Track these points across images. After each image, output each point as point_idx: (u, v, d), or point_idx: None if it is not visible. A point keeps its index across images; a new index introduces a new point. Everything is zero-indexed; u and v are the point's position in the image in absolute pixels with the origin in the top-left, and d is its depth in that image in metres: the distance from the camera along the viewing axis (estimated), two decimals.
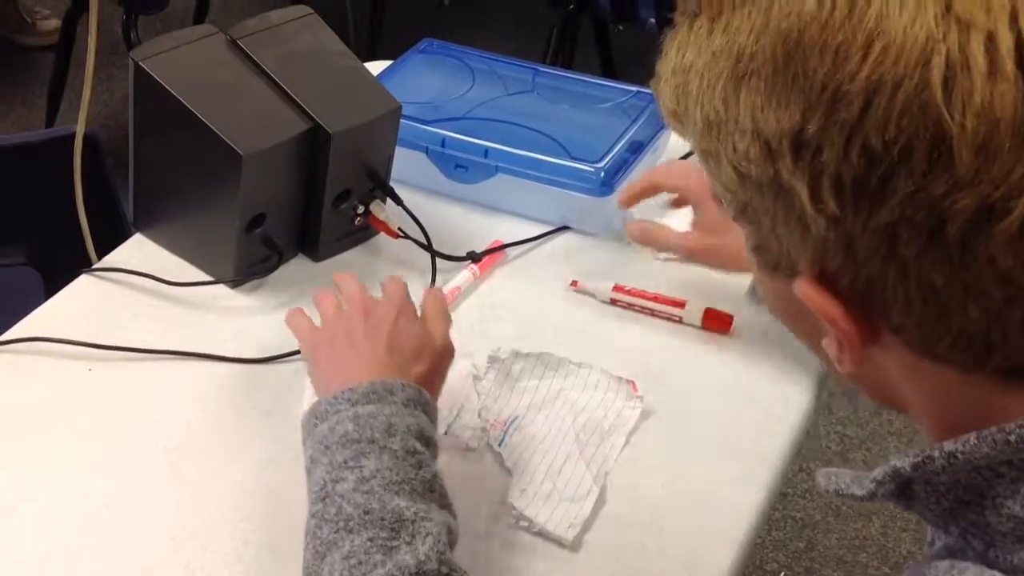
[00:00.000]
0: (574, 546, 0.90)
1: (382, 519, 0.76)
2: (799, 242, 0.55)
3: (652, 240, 1.12)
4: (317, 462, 0.81)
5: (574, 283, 1.15)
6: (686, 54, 0.57)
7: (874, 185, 0.50)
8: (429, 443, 0.83)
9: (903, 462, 0.56)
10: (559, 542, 0.90)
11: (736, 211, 0.58)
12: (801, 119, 0.51)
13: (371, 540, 0.75)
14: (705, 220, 1.09)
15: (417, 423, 0.82)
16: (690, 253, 1.10)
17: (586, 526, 0.91)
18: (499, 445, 0.97)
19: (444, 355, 0.91)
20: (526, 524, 0.91)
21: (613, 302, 1.13)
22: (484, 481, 0.95)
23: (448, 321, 0.94)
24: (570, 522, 0.91)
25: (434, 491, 0.80)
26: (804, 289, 0.55)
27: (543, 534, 0.90)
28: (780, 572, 1.94)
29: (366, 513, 0.76)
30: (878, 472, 0.58)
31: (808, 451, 2.12)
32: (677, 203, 1.17)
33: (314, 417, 0.83)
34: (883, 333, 0.55)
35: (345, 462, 0.79)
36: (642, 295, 1.13)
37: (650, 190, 1.15)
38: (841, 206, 0.51)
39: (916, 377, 0.57)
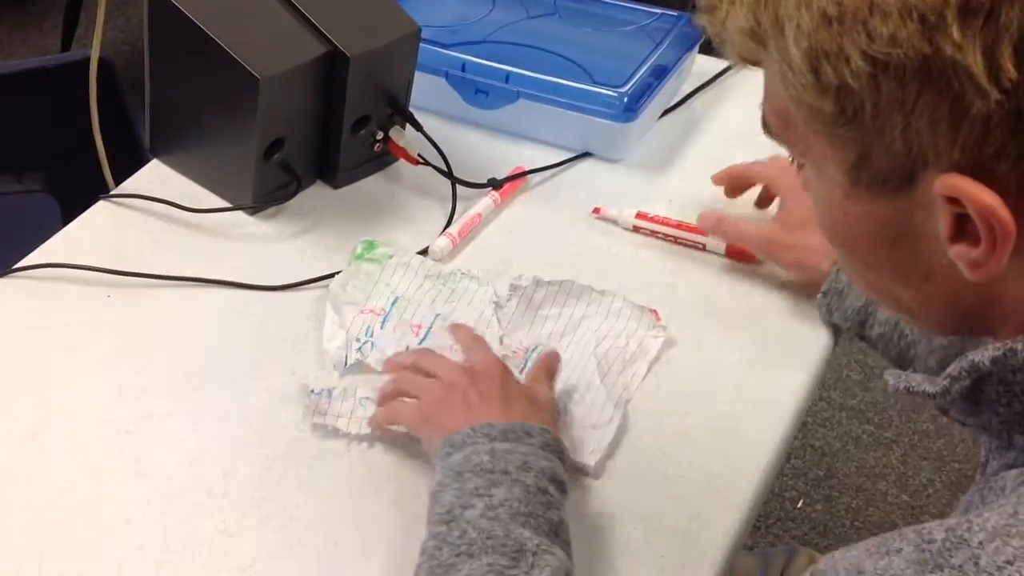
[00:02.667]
0: (596, 473, 0.90)
1: (504, 546, 0.75)
2: (946, 131, 0.51)
3: (726, 230, 1.07)
4: (446, 487, 0.80)
5: (596, 210, 1.13)
6: None
7: None
8: (561, 489, 0.81)
9: (982, 356, 0.55)
10: (581, 469, 0.90)
11: (840, 123, 0.54)
12: None
13: (490, 565, 0.74)
14: (787, 215, 1.05)
15: (552, 467, 0.81)
16: (764, 245, 1.05)
17: (608, 453, 0.91)
18: (520, 372, 0.96)
19: (555, 413, 0.90)
20: None
21: (636, 229, 1.12)
22: None
23: (552, 383, 0.93)
24: (591, 448, 0.91)
25: (559, 536, 0.78)
26: (951, 183, 0.52)
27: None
28: (799, 500, 1.95)
29: (489, 538, 0.75)
30: (953, 368, 0.57)
31: (828, 380, 2.12)
32: (763, 202, 1.14)
33: (448, 446, 0.82)
34: None
35: (476, 489, 0.78)
36: (665, 222, 1.11)
37: (744, 180, 1.12)
38: (1022, 71, 0.48)
39: None
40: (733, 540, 0.87)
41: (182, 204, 1.11)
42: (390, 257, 1.06)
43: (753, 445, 0.93)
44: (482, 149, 1.22)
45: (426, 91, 1.18)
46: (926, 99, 0.51)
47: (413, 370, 0.93)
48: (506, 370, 0.90)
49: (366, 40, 1.07)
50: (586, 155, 1.22)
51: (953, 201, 0.52)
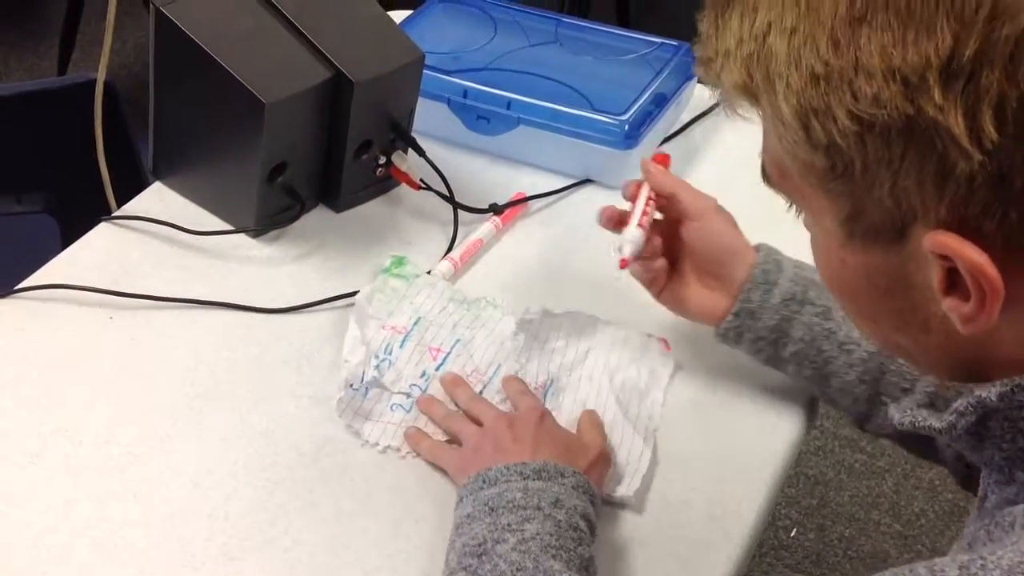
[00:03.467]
0: (637, 507, 0.90)
1: None
2: (932, 190, 0.52)
3: (662, 180, 0.97)
4: (476, 520, 0.80)
5: (623, 263, 0.96)
6: (756, 19, 0.55)
7: None
8: (592, 528, 0.82)
9: (989, 392, 0.56)
10: (619, 503, 0.90)
11: (831, 178, 0.55)
12: (953, 44, 0.48)
13: None
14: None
15: (583, 506, 0.82)
16: (697, 204, 0.96)
17: (643, 487, 0.91)
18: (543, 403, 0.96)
19: (598, 461, 0.89)
20: None
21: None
22: None
23: (602, 434, 0.92)
24: (628, 482, 0.91)
25: (588, 572, 0.79)
26: (940, 240, 0.52)
27: (606, 502, 0.90)
28: (792, 529, 1.95)
29: (519, 570, 0.76)
30: (960, 403, 0.57)
31: (821, 409, 2.12)
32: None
33: (481, 481, 0.83)
34: (1019, 286, 0.53)
35: (509, 525, 0.79)
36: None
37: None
38: (1003, 132, 0.49)
39: None
40: (735, 567, 0.87)
41: (184, 226, 1.11)
42: (418, 276, 1.06)
43: (754, 472, 0.94)
44: (483, 175, 1.22)
45: (428, 117, 1.19)
46: (911, 158, 0.51)
47: (465, 411, 0.94)
48: (544, 416, 0.91)
49: (371, 66, 1.07)
50: (587, 181, 1.22)
51: (943, 256, 0.53)
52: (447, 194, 1.16)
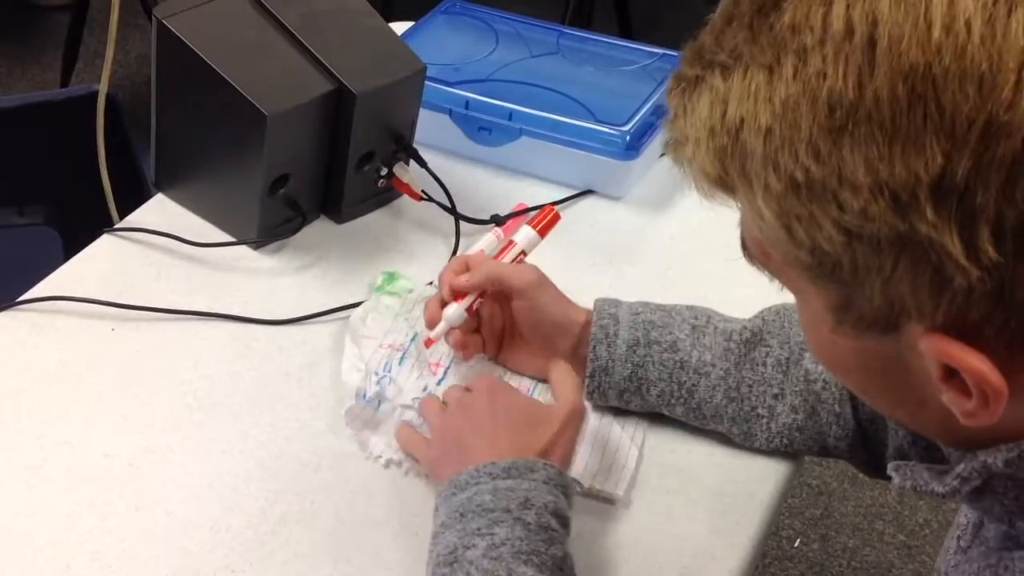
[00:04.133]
0: (625, 502, 0.91)
1: None
2: (928, 296, 0.49)
3: (490, 276, 0.95)
4: (449, 527, 0.80)
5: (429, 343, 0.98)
6: (729, 109, 0.51)
7: None
8: (564, 524, 0.81)
9: (994, 458, 0.54)
10: (610, 499, 0.90)
11: (817, 273, 0.52)
12: (944, 162, 0.45)
13: None
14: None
15: (555, 501, 0.81)
16: (532, 279, 0.95)
17: (633, 482, 0.92)
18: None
19: (569, 418, 0.87)
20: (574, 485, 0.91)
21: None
22: None
23: (575, 383, 0.90)
24: (619, 477, 0.91)
25: (563, 570, 0.78)
26: (937, 345, 0.50)
27: (592, 494, 0.91)
28: (796, 539, 1.94)
29: None
30: (963, 468, 0.55)
31: None
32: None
33: (453, 487, 0.82)
34: (1021, 378, 0.50)
35: (478, 529, 0.78)
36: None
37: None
38: (1002, 251, 0.46)
39: None
40: None
41: (186, 238, 1.11)
42: (410, 291, 1.06)
43: (756, 484, 0.93)
44: (485, 186, 1.22)
45: (430, 128, 1.19)
46: (904, 267, 0.49)
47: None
48: (496, 393, 0.89)
49: (372, 78, 1.08)
50: (588, 192, 1.22)
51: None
52: (449, 205, 1.16)
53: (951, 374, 0.51)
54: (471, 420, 0.88)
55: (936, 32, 0.45)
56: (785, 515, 1.96)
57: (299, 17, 1.09)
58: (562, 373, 0.91)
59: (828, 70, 0.47)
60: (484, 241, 1.13)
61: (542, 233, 1.01)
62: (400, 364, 1.00)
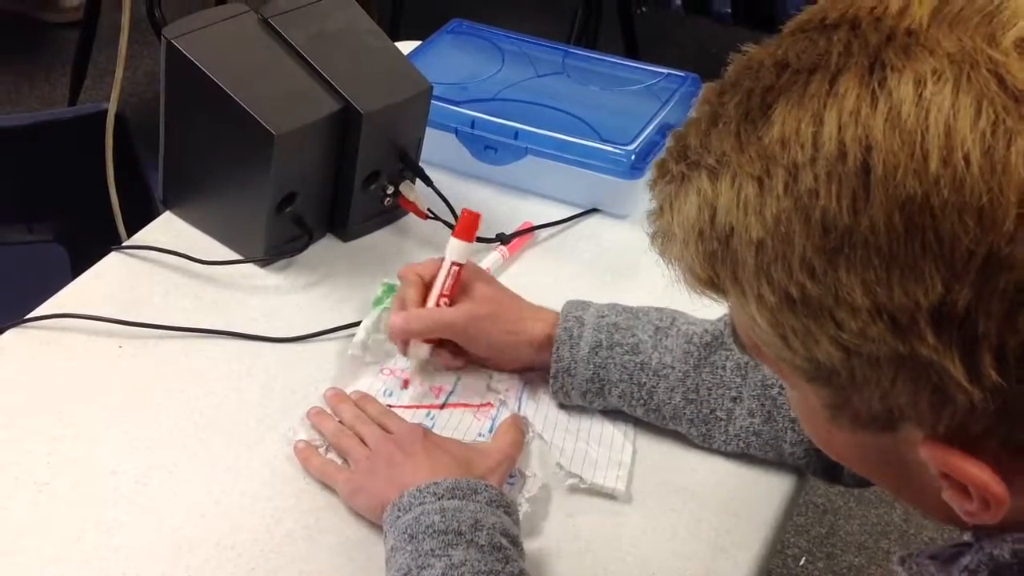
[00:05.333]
0: (625, 497, 0.92)
1: None
2: (928, 409, 0.48)
3: (416, 327, 0.97)
4: (400, 550, 0.80)
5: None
6: (718, 214, 0.50)
7: None
8: (515, 543, 0.82)
9: (1000, 549, 0.53)
10: (610, 494, 0.92)
11: (813, 377, 0.51)
12: (944, 291, 0.45)
13: None
14: (477, 293, 0.99)
15: (501, 523, 0.81)
16: (465, 323, 0.97)
17: (630, 479, 0.94)
18: (519, 410, 0.98)
19: (499, 465, 0.89)
20: (575, 481, 0.92)
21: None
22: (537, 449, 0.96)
23: (515, 438, 0.93)
24: (617, 474, 0.93)
25: None
26: (938, 455, 0.49)
27: (594, 489, 0.92)
28: (802, 557, 1.94)
29: None
30: (970, 560, 0.54)
31: None
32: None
33: (397, 509, 0.83)
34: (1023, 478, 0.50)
35: (432, 550, 0.78)
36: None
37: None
38: (1005, 376, 0.45)
39: None
40: None
41: (194, 256, 1.12)
42: None
43: (761, 501, 0.94)
44: (490, 204, 1.23)
45: (436, 147, 1.20)
46: (904, 383, 0.48)
47: (350, 427, 0.94)
48: (426, 431, 0.91)
49: (379, 97, 1.08)
50: (593, 211, 1.23)
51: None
52: (454, 224, 1.16)
53: (951, 475, 0.51)
54: (402, 447, 0.89)
55: (933, 164, 0.45)
56: (790, 533, 1.96)
57: (307, 37, 1.10)
58: (507, 425, 0.94)
59: (821, 190, 0.47)
60: (489, 259, 1.14)
61: (467, 237, 1.00)
62: (403, 390, 1.00)
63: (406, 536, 0.80)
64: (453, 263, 0.99)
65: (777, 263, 0.48)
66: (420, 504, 0.82)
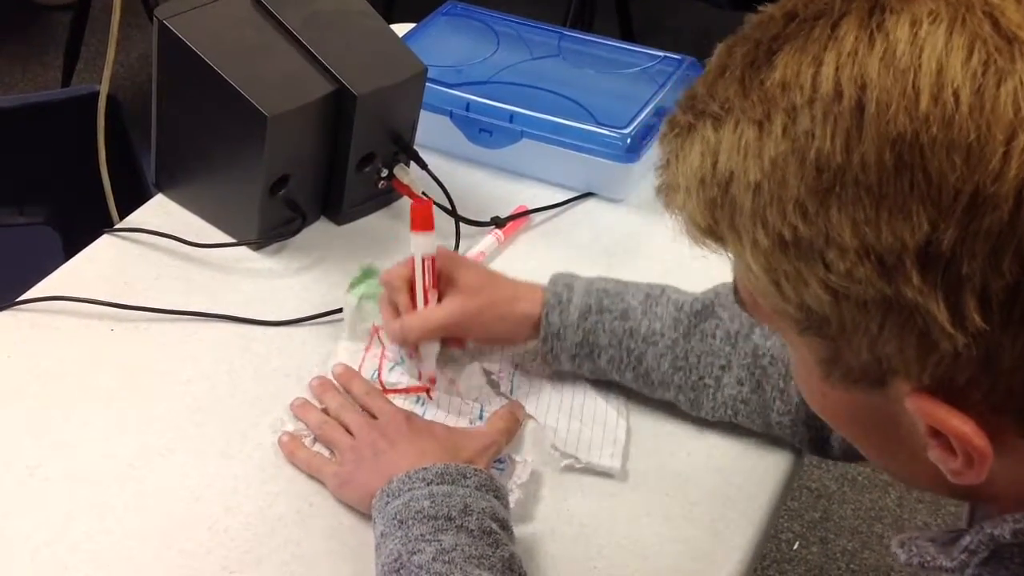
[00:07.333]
0: (621, 476, 0.92)
1: None
2: (915, 358, 0.49)
3: (409, 334, 0.96)
4: (389, 536, 0.80)
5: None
6: (719, 161, 0.51)
7: None
8: (504, 527, 0.82)
9: (1001, 529, 0.53)
10: (606, 472, 0.92)
11: (805, 327, 0.52)
12: (930, 230, 0.46)
13: None
14: (464, 284, 0.97)
15: (491, 507, 0.81)
16: (457, 320, 0.96)
17: (625, 455, 0.94)
18: (511, 393, 0.98)
19: (487, 448, 0.89)
20: (571, 461, 0.93)
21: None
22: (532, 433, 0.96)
23: (505, 425, 0.92)
24: (611, 451, 0.93)
25: (513, 570, 0.78)
26: (923, 406, 0.50)
27: (590, 468, 0.92)
28: (795, 542, 1.94)
29: None
30: (970, 541, 0.55)
31: None
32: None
33: (386, 495, 0.82)
34: (1008, 438, 0.50)
35: (422, 535, 0.78)
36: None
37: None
38: (989, 320, 0.46)
39: (1022, 467, 0.53)
40: None
41: (186, 239, 1.11)
42: None
43: (755, 485, 0.93)
44: (485, 188, 1.22)
45: (431, 130, 1.19)
46: (890, 328, 0.49)
47: (335, 417, 0.94)
48: (409, 416, 0.91)
49: (373, 79, 1.08)
50: (588, 195, 1.22)
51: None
52: (449, 207, 1.16)
53: (938, 433, 0.51)
54: (386, 435, 0.89)
55: (924, 101, 0.45)
56: (784, 518, 1.96)
57: (300, 18, 1.09)
58: (502, 412, 0.94)
59: (816, 131, 0.48)
60: (484, 243, 1.14)
61: (426, 227, 0.96)
62: (390, 370, 1.00)
63: (395, 522, 0.80)
64: (424, 257, 0.96)
65: (772, 206, 0.49)
66: (409, 490, 0.81)
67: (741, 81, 0.51)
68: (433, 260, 0.97)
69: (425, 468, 0.82)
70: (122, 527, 0.87)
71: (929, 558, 0.57)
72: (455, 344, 1.00)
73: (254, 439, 0.94)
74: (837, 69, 0.48)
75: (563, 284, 0.96)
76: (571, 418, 0.96)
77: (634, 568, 0.87)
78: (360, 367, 1.00)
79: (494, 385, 0.99)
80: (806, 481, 2.03)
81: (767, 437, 0.96)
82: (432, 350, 0.98)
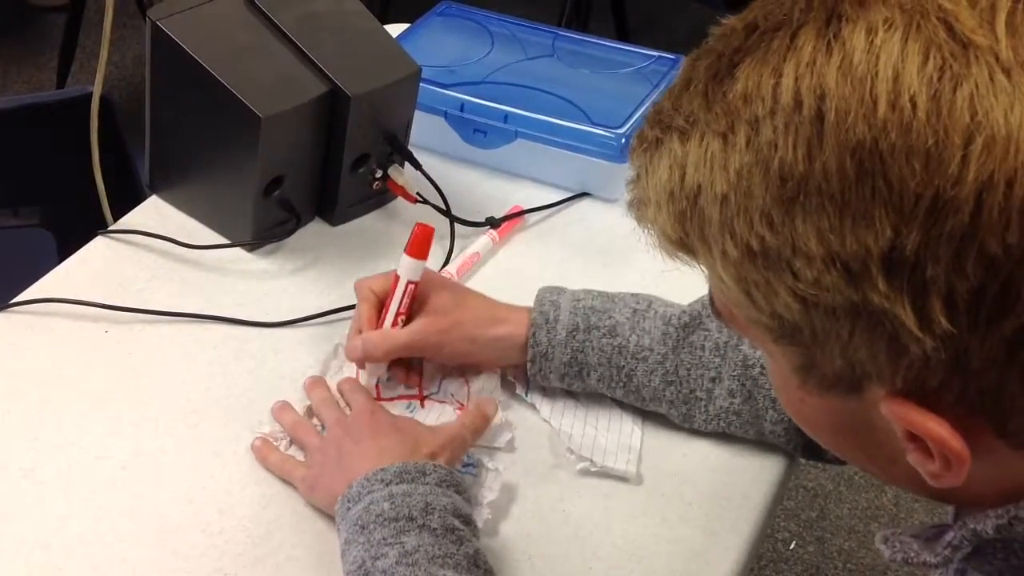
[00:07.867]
0: (636, 479, 0.92)
1: None
2: (886, 362, 0.49)
3: (376, 352, 0.95)
4: (352, 543, 0.79)
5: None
6: (687, 174, 0.52)
7: (995, 294, 0.45)
8: (467, 522, 0.81)
9: (984, 524, 0.54)
10: (622, 477, 0.92)
11: (779, 335, 0.53)
12: (893, 236, 0.46)
13: None
14: (433, 305, 0.96)
15: (452, 503, 0.81)
16: (425, 340, 0.95)
17: (639, 460, 0.94)
18: (526, 396, 0.98)
19: (448, 444, 0.87)
20: (587, 464, 0.92)
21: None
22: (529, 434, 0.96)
23: (475, 420, 0.92)
24: (627, 457, 0.93)
25: (479, 566, 0.78)
26: (898, 410, 0.50)
27: (605, 472, 0.92)
28: (792, 541, 1.94)
29: None
30: (954, 536, 0.55)
31: None
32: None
33: (347, 501, 0.82)
34: (985, 439, 0.50)
35: (384, 539, 0.77)
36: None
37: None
38: (955, 323, 0.46)
39: (1000, 468, 0.53)
40: None
41: (181, 240, 1.11)
42: None
43: (751, 486, 0.93)
44: (480, 188, 1.22)
45: (425, 130, 1.19)
46: (861, 335, 0.49)
47: (316, 411, 0.94)
48: (375, 410, 0.91)
49: (367, 80, 1.07)
50: (583, 195, 1.22)
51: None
52: (444, 208, 1.15)
53: (915, 436, 0.52)
54: (350, 434, 0.88)
55: (882, 108, 0.46)
56: (780, 517, 1.96)
57: (294, 19, 1.09)
58: (471, 407, 0.93)
59: (779, 141, 0.48)
60: (479, 244, 1.14)
61: (420, 255, 0.95)
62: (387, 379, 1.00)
63: (357, 527, 0.79)
64: (408, 282, 0.95)
65: (739, 217, 0.50)
66: (369, 493, 0.81)
67: (705, 94, 0.52)
68: (416, 286, 0.96)
69: (383, 469, 0.82)
70: (116, 529, 0.86)
71: (912, 554, 0.57)
72: (403, 378, 0.99)
73: (248, 441, 0.94)
74: (796, 79, 0.48)
75: (549, 302, 0.95)
76: (585, 424, 0.95)
77: (630, 569, 0.86)
78: (356, 373, 0.99)
79: (509, 387, 0.99)
80: (802, 480, 2.03)
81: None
82: (378, 371, 0.97)
